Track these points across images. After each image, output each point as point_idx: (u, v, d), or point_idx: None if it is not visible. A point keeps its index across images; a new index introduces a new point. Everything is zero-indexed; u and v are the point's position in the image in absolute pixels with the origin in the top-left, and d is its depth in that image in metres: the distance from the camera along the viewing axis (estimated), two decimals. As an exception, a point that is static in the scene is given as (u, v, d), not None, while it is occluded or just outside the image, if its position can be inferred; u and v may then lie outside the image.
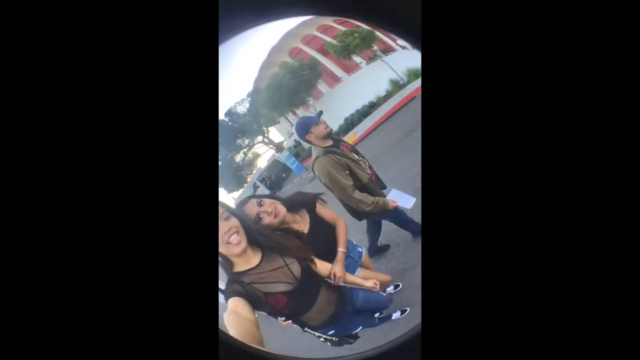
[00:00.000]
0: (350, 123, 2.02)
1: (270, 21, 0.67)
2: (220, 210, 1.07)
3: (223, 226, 1.05)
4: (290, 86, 1.86)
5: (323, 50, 1.87)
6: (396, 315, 1.41)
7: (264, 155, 2.82)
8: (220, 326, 0.72)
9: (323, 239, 1.30)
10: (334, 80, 1.94)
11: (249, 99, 2.15)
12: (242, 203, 1.27)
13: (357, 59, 1.83)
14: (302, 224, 1.32)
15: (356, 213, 1.51)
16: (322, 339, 1.24)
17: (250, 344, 0.74)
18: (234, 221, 1.06)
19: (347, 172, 1.47)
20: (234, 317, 0.93)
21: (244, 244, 1.06)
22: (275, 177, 2.69)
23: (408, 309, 1.41)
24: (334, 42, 1.72)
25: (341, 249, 1.29)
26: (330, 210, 1.37)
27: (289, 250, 1.16)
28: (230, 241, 1.04)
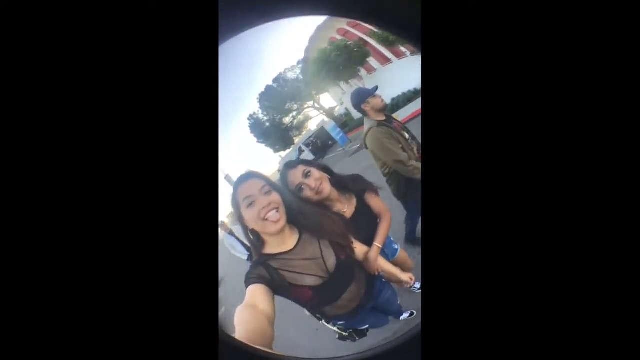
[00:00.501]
0: (396, 105, 1.98)
1: (270, 21, 0.67)
2: (261, 183, 0.99)
3: (262, 201, 0.97)
4: (338, 62, 1.85)
5: (368, 36, 1.81)
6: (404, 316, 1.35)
7: (315, 119, 2.82)
8: (233, 317, 0.80)
9: (364, 229, 1.24)
10: (385, 60, 1.88)
11: (299, 66, 2.16)
12: (290, 166, 1.23)
13: (402, 48, 1.74)
14: (346, 205, 1.26)
15: (399, 192, 1.49)
16: (333, 328, 1.18)
17: (257, 346, 0.70)
18: (275, 196, 0.99)
19: (401, 145, 1.45)
20: (250, 312, 0.83)
21: (282, 222, 0.99)
22: (322, 143, 2.71)
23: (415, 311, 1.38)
24: (377, 31, 1.64)
25: (377, 244, 1.22)
26: (381, 201, 1.31)
27: (328, 234, 1.07)
28: (268, 217, 0.96)
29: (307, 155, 2.67)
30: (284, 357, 0.72)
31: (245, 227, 1.00)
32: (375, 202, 1.29)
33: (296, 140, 2.86)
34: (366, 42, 1.84)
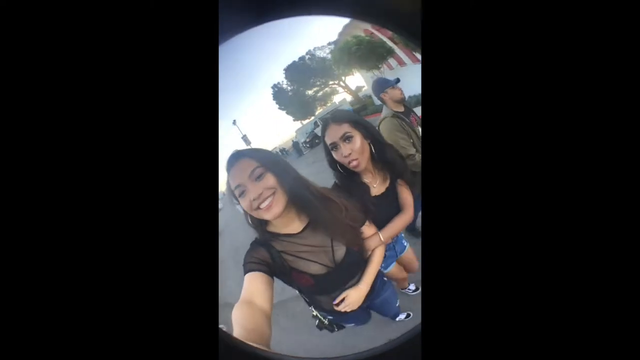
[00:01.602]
0: (409, 104, 2.07)
1: (269, 21, 0.66)
2: (252, 165, 0.87)
3: (252, 191, 0.85)
4: (358, 54, 1.90)
5: (392, 39, 1.84)
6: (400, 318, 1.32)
7: (340, 94, 2.84)
8: (231, 314, 0.78)
9: (381, 216, 1.14)
10: (401, 64, 1.92)
11: (330, 46, 2.19)
12: (336, 118, 1.07)
13: (418, 55, 1.77)
14: (377, 180, 1.16)
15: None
16: (314, 313, 1.14)
17: (254, 344, 0.69)
18: (269, 180, 0.86)
19: (412, 141, 1.43)
20: (247, 311, 0.79)
21: (278, 208, 0.87)
22: (337, 120, 2.74)
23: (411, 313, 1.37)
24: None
25: (381, 236, 1.09)
26: (411, 196, 1.19)
27: (338, 222, 0.97)
28: (261, 207, 0.86)
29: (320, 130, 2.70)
30: (284, 356, 0.70)
31: (245, 212, 0.91)
32: (404, 193, 1.18)
33: (318, 110, 2.88)
34: (395, 42, 1.87)
